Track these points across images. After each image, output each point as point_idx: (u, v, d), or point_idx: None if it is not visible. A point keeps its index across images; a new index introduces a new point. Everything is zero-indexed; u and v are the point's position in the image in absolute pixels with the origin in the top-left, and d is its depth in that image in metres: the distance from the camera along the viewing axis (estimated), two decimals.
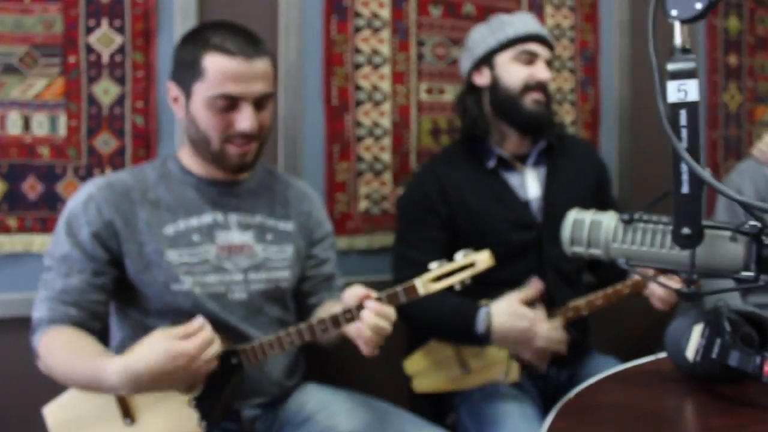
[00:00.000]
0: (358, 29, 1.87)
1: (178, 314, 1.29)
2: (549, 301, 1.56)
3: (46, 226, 1.61)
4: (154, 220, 1.31)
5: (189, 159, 1.38)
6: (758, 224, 0.74)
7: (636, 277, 1.48)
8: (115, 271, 1.30)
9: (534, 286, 1.48)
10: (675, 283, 1.21)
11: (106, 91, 1.65)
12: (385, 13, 1.89)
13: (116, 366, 1.15)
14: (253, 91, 1.28)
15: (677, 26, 0.80)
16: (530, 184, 1.68)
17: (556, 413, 0.86)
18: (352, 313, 1.22)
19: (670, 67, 0.75)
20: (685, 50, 0.79)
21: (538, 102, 1.63)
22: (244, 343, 1.28)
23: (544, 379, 1.67)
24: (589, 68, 2.16)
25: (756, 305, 1.87)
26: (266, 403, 1.41)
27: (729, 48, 2.35)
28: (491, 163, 1.65)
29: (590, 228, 0.85)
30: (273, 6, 1.79)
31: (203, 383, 1.23)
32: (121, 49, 1.66)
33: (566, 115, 2.12)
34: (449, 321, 1.51)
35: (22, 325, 1.34)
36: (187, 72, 1.29)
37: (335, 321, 1.24)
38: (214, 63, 1.26)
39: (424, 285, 1.24)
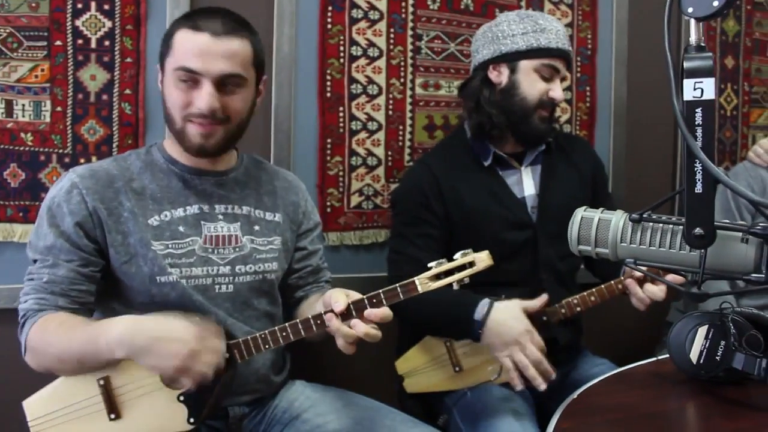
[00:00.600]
0: (354, 20, 1.83)
1: (163, 307, 1.25)
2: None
3: (28, 215, 1.56)
4: (139, 210, 1.27)
5: (173, 148, 1.34)
6: None
7: (637, 275, 1.45)
8: (101, 261, 1.26)
9: (541, 301, 1.45)
10: (674, 281, 1.21)
11: (93, 76, 1.60)
12: (382, 4, 1.85)
13: (123, 318, 1.16)
14: (213, 69, 1.23)
15: (692, 24, 0.78)
16: (526, 183, 1.65)
17: (560, 414, 0.84)
18: (349, 308, 1.18)
19: (687, 64, 0.73)
20: (700, 48, 0.77)
21: (544, 119, 1.60)
22: (234, 338, 1.24)
23: None
24: (586, 66, 2.14)
25: (753, 307, 1.85)
26: (254, 400, 1.37)
27: (726, 50, 2.34)
28: (488, 161, 1.62)
29: (598, 227, 0.82)
30: None
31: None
32: (110, 34, 1.61)
33: (563, 113, 2.10)
34: (448, 309, 1.46)
35: (2, 316, 1.29)
36: (162, 48, 1.29)
37: (316, 322, 1.21)
38: (181, 37, 1.24)
39: (422, 283, 1.21)
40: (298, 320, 1.23)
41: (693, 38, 0.77)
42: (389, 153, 1.89)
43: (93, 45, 1.60)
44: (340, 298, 1.17)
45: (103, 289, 1.29)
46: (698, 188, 0.71)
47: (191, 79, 1.23)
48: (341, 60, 1.82)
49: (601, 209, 0.85)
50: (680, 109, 0.72)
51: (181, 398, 1.21)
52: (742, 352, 0.83)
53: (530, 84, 1.57)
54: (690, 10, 0.76)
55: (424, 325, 1.57)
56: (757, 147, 1.91)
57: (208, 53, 1.22)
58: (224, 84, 1.25)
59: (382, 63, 1.86)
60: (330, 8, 1.80)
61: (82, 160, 1.59)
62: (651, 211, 0.80)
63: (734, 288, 1.57)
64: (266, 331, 1.23)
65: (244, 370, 1.31)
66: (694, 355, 0.88)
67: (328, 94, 1.81)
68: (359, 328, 1.15)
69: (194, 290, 1.28)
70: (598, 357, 1.72)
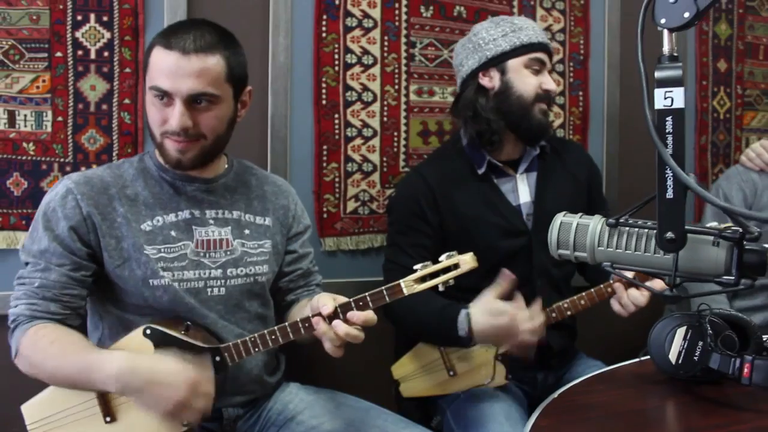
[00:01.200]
0: (348, 29, 1.86)
1: (156, 310, 1.29)
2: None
3: (30, 223, 1.58)
4: (132, 216, 1.30)
5: None
6: (740, 230, 0.75)
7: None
8: (93, 265, 1.29)
9: (505, 278, 1.44)
10: (657, 285, 1.23)
11: (93, 87, 1.64)
12: (376, 13, 1.89)
13: (118, 355, 1.18)
14: (183, 89, 1.24)
15: (666, 34, 0.80)
16: (522, 190, 1.67)
17: (540, 412, 0.87)
18: (336, 312, 1.22)
19: (658, 74, 0.75)
20: (672, 58, 0.80)
21: (545, 112, 1.63)
22: (225, 341, 1.28)
23: (531, 382, 1.67)
24: (579, 72, 2.16)
25: (741, 309, 1.88)
26: (248, 401, 1.40)
27: (718, 54, 2.36)
28: (482, 169, 1.64)
29: (576, 231, 0.85)
30: (264, 4, 1.78)
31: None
32: (109, 45, 1.65)
33: (555, 118, 2.13)
34: (434, 327, 1.50)
35: (4, 323, 1.32)
36: (144, 64, 1.31)
37: (304, 325, 1.24)
38: (155, 56, 1.26)
39: (408, 286, 1.24)
40: (286, 323, 1.26)
41: (666, 48, 0.80)
42: (384, 159, 1.92)
43: (93, 56, 1.63)
44: (327, 301, 1.21)
45: (99, 292, 1.33)
46: (669, 194, 0.73)
47: (162, 97, 1.26)
48: (336, 68, 1.85)
49: (579, 214, 0.88)
50: (651, 117, 0.75)
51: None
52: (718, 352, 0.86)
53: (523, 81, 1.60)
54: (663, 21, 0.79)
55: (421, 339, 1.60)
56: (749, 151, 1.93)
57: (177, 72, 1.23)
58: (197, 101, 1.26)
59: (376, 70, 1.90)
60: (324, 17, 1.83)
61: (83, 169, 1.62)
62: (627, 216, 0.83)
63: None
64: (256, 335, 1.26)
65: (237, 371, 1.34)
66: (673, 356, 0.91)
67: (324, 102, 1.85)
68: (340, 329, 1.18)
69: (186, 293, 1.31)
70: (592, 359, 1.74)
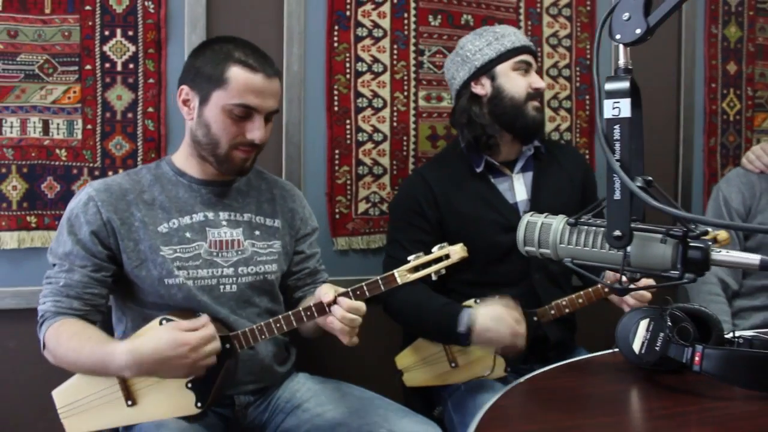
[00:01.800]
0: (359, 38, 1.96)
1: (172, 306, 1.40)
2: (535, 301, 1.64)
3: None
4: (149, 219, 1.41)
5: (184, 161, 1.49)
6: (684, 228, 0.81)
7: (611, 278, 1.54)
8: (113, 266, 1.40)
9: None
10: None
11: (119, 97, 1.76)
12: (386, 23, 1.98)
13: (124, 348, 1.28)
14: (267, 106, 1.41)
15: (621, 49, 0.88)
16: (518, 189, 1.74)
17: (503, 393, 0.94)
18: (312, 310, 1.34)
19: (607, 86, 0.83)
20: (627, 70, 0.87)
21: (538, 109, 1.71)
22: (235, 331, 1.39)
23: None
24: (586, 76, 2.22)
25: (741, 309, 1.91)
26: (258, 389, 1.50)
27: (728, 56, 2.39)
28: (480, 168, 1.72)
29: (540, 230, 0.92)
30: (278, 17, 1.89)
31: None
32: (133, 58, 1.77)
33: (563, 122, 2.19)
34: (435, 322, 1.58)
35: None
36: (206, 79, 1.40)
37: (320, 308, 1.34)
38: (239, 75, 1.38)
39: (401, 275, 1.33)
40: (290, 312, 1.36)
41: (621, 61, 0.87)
42: (394, 162, 2.01)
43: (119, 68, 1.76)
44: (329, 291, 1.32)
45: (120, 291, 1.45)
46: (616, 195, 0.80)
47: (245, 114, 1.39)
48: (347, 76, 1.95)
49: (545, 214, 0.95)
50: (601, 126, 0.82)
51: (189, 386, 1.35)
52: (675, 342, 0.93)
53: (513, 83, 1.69)
54: (618, 37, 0.87)
55: (417, 332, 1.68)
56: (750, 153, 1.97)
57: (264, 92, 1.40)
58: (268, 117, 1.43)
59: (386, 78, 1.99)
60: (336, 27, 1.93)
61: (110, 173, 1.75)
62: (586, 216, 0.90)
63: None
64: (263, 323, 1.37)
65: (249, 361, 1.45)
66: (636, 346, 0.98)
67: (336, 108, 1.94)
68: (336, 312, 1.30)
69: (199, 290, 1.41)
70: (591, 353, 1.80)
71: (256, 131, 1.40)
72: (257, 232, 1.50)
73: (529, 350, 1.55)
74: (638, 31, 0.85)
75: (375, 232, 2.00)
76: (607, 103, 0.82)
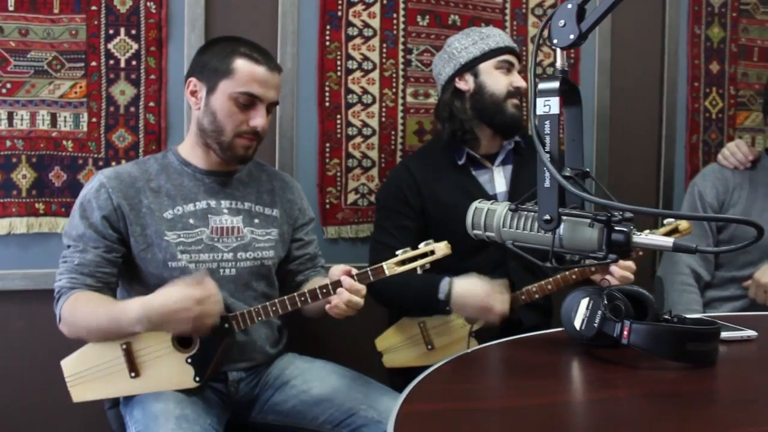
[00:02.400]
0: (350, 38, 2.06)
1: None
2: (511, 289, 1.73)
3: (69, 210, 1.82)
4: (156, 206, 1.52)
5: (189, 151, 1.60)
6: (608, 214, 0.91)
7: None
8: (123, 248, 1.51)
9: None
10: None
11: (122, 92, 1.88)
12: (376, 23, 2.08)
13: (137, 303, 1.40)
14: (269, 96, 1.53)
15: (558, 52, 0.98)
16: (498, 181, 1.85)
17: (447, 361, 1.04)
18: (328, 289, 1.44)
19: (540, 86, 0.92)
20: (564, 71, 0.97)
21: (517, 106, 1.81)
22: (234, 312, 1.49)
23: None
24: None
25: (713, 299, 2.00)
26: (251, 367, 1.61)
27: (711, 56, 2.46)
28: (461, 160, 1.82)
29: (486, 215, 1.03)
30: (273, 17, 2.00)
31: (199, 344, 1.45)
32: (136, 55, 1.88)
33: None
34: (415, 290, 1.69)
35: (48, 296, 1.57)
36: (214, 70, 1.52)
37: (314, 294, 1.45)
38: (244, 66, 1.50)
39: (389, 268, 1.44)
40: (285, 297, 1.47)
41: (558, 63, 0.97)
42: (382, 155, 2.11)
43: (122, 65, 1.88)
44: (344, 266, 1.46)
45: (126, 273, 1.56)
46: (546, 183, 0.91)
47: (249, 102, 1.51)
48: (338, 73, 2.05)
49: (491, 201, 1.05)
50: (534, 122, 0.92)
51: (189, 361, 1.46)
52: (608, 318, 1.02)
53: (494, 81, 1.79)
54: (555, 41, 0.96)
55: (402, 308, 1.79)
56: (725, 149, 2.05)
57: (267, 83, 1.52)
58: (269, 108, 1.55)
59: (375, 75, 2.09)
60: (328, 27, 2.03)
61: (113, 163, 1.86)
62: (527, 202, 1.00)
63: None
64: (259, 306, 1.48)
65: (244, 342, 1.56)
66: (577, 323, 1.08)
67: (327, 104, 2.05)
68: (343, 295, 1.42)
69: None
70: None
71: (258, 119, 1.51)
72: (256, 220, 1.61)
73: (502, 333, 1.65)
74: (572, 36, 0.94)
75: (363, 222, 2.10)
76: (539, 102, 0.92)
